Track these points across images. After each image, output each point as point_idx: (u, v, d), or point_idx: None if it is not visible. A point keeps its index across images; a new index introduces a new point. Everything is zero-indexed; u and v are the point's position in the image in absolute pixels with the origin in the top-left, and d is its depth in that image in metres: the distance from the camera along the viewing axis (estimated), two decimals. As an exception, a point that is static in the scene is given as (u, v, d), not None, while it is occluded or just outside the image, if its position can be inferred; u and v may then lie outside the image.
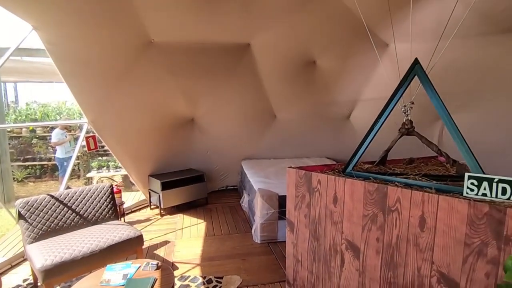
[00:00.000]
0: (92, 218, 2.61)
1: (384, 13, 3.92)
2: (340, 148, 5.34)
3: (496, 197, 1.31)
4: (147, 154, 4.20)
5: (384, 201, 1.54)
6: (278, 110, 4.88)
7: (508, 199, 1.28)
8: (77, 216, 2.53)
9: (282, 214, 3.07)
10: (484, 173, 1.41)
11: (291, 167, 2.02)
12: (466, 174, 1.39)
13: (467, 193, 1.38)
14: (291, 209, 2.05)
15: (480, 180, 1.36)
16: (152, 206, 4.27)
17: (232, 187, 5.25)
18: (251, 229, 3.40)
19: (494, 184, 1.33)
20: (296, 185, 1.99)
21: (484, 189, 1.35)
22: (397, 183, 1.61)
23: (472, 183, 1.38)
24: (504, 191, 1.30)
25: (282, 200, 3.05)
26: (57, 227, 2.43)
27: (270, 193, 3.06)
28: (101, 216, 2.65)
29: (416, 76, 1.74)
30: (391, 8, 3.86)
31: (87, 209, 2.61)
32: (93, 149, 3.60)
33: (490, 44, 3.72)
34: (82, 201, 2.61)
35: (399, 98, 1.76)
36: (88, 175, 5.82)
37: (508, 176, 1.32)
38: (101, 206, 2.66)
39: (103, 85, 3.41)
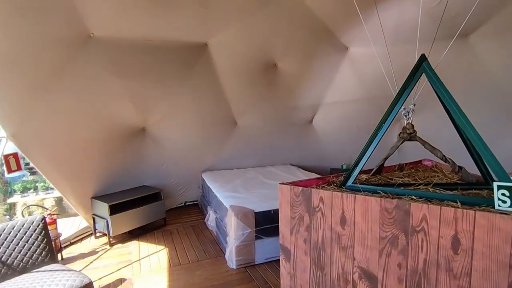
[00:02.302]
0: (19, 265, 1.97)
1: (345, 17, 3.91)
2: (304, 154, 5.24)
3: (533, 208, 1.17)
4: (88, 172, 3.53)
5: (407, 220, 1.32)
6: (239, 116, 4.58)
7: (546, 210, 1.15)
8: (-5, 265, 1.88)
9: (258, 233, 2.74)
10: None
11: (283, 183, 1.72)
12: (495, 184, 1.23)
13: (499, 205, 1.22)
14: (285, 234, 1.74)
15: (511, 190, 1.21)
16: (98, 234, 3.59)
17: (192, 203, 4.75)
18: (223, 252, 3.01)
19: (528, 194, 1.19)
20: (291, 204, 1.69)
21: (518, 200, 1.20)
22: (413, 197, 1.42)
23: (503, 194, 1.22)
24: (540, 202, 1.17)
25: (258, 217, 2.73)
26: (-38, 284, 1.76)
27: (245, 210, 2.71)
28: (31, 261, 2.01)
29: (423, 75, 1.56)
30: (351, 12, 3.85)
31: (11, 254, 1.96)
32: (15, 171, 2.85)
33: (442, 49, 3.91)
34: (3, 243, 1.96)
35: (405, 99, 1.58)
36: (10, 200, 4.78)
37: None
38: (30, 248, 2.03)
39: (27, 89, 2.73)
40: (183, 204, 4.68)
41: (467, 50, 3.87)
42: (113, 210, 3.29)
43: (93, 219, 3.53)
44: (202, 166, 4.62)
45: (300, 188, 1.64)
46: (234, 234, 2.66)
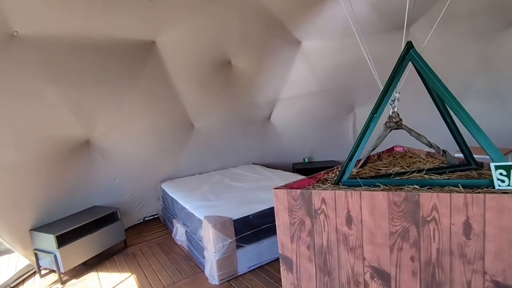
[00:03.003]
0: None
1: (297, 11, 3.91)
2: (265, 151, 5.18)
3: (530, 184, 1.22)
4: (23, 200, 2.97)
5: (416, 211, 1.29)
6: (196, 118, 4.33)
7: (540, 184, 1.21)
8: None
9: (239, 242, 2.58)
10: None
11: (278, 188, 1.59)
12: (492, 164, 1.27)
13: (499, 185, 1.26)
14: (285, 242, 1.62)
15: (507, 169, 1.25)
16: (44, 272, 3.03)
17: (152, 217, 4.35)
18: (200, 268, 2.77)
19: (523, 171, 1.24)
20: (289, 209, 1.57)
21: (515, 177, 1.25)
22: (416, 186, 1.41)
23: (501, 174, 1.26)
24: (534, 177, 1.22)
25: (237, 225, 2.57)
26: None
27: (223, 220, 2.52)
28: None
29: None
30: (303, 5, 3.87)
31: None
32: None
33: (386, 40, 4.16)
34: None
35: (394, 89, 1.56)
36: None
37: None
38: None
39: None
40: (142, 220, 4.25)
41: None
42: (62, 241, 2.80)
43: (36, 255, 2.96)
44: (160, 175, 4.25)
45: (299, 191, 1.52)
46: (213, 247, 2.45)
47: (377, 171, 1.79)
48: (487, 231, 1.18)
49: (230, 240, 2.50)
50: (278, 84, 4.66)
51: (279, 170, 4.34)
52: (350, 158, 1.62)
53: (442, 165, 1.77)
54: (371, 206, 1.37)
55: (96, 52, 2.94)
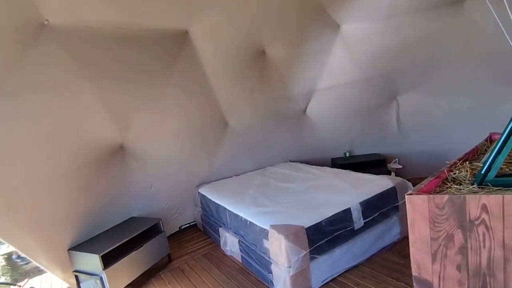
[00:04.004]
0: None
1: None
2: (301, 147, 4.87)
3: None
4: (59, 217, 2.73)
5: None
6: (230, 115, 4.04)
7: None
8: None
9: (313, 253, 2.28)
10: None
11: (412, 194, 1.27)
12: None
13: None
14: (423, 262, 1.31)
15: None
16: (86, 295, 2.76)
17: (188, 225, 4.05)
18: (263, 283, 2.48)
19: None
20: (431, 220, 1.25)
21: None
22: None
23: None
24: None
25: (309, 234, 2.26)
26: None
27: (295, 229, 2.22)
28: None
29: None
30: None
31: None
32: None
33: (438, 17, 3.79)
34: None
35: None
36: None
37: None
38: None
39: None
40: (178, 229, 3.96)
41: (462, 17, 3.78)
42: (108, 260, 2.51)
43: (76, 277, 2.68)
44: (196, 179, 3.96)
45: (446, 196, 1.20)
46: (286, 261, 2.15)
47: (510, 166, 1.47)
48: None
49: (305, 252, 2.19)
50: (315, 74, 4.32)
51: (325, 167, 4.02)
52: (499, 151, 1.29)
53: None
54: (562, 214, 1.05)
55: (130, 45, 2.65)
